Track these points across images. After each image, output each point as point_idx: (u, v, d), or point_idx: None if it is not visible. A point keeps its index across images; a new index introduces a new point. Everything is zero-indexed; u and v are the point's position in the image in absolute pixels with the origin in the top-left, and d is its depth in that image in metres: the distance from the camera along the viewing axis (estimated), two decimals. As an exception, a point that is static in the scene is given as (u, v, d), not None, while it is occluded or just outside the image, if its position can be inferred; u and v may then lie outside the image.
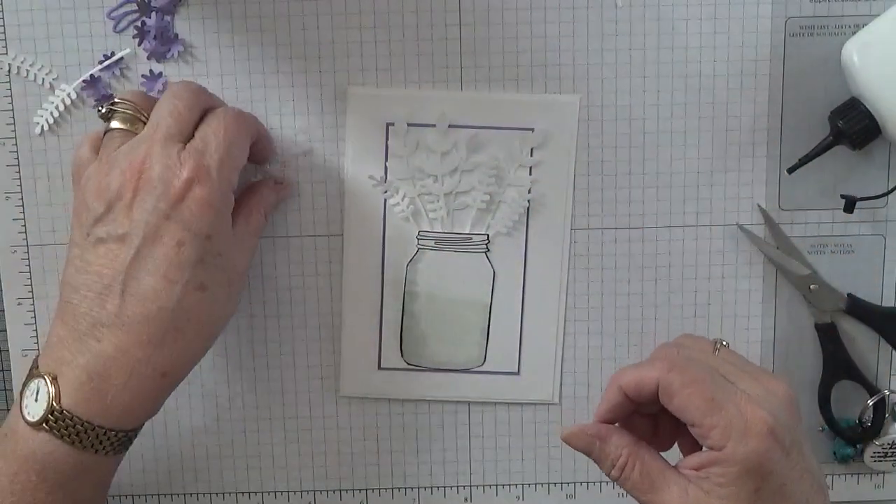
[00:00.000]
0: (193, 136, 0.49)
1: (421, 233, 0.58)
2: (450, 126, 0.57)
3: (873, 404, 0.59)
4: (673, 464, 0.47)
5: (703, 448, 0.45)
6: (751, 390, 0.45)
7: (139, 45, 0.57)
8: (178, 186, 0.47)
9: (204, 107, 0.51)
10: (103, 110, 0.51)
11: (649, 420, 0.49)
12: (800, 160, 0.56)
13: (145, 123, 0.50)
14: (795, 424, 0.46)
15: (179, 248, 0.47)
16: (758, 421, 0.44)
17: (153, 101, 0.51)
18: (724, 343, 0.49)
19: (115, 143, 0.50)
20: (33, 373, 0.48)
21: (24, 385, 0.48)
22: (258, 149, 0.55)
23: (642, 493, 0.46)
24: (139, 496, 0.62)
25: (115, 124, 0.51)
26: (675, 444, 0.50)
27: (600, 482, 0.61)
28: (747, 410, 0.44)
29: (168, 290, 0.47)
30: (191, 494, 0.61)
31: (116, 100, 0.51)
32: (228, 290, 0.50)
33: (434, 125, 0.57)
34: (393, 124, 0.57)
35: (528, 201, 0.58)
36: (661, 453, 0.48)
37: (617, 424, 0.48)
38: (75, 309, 0.47)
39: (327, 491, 0.62)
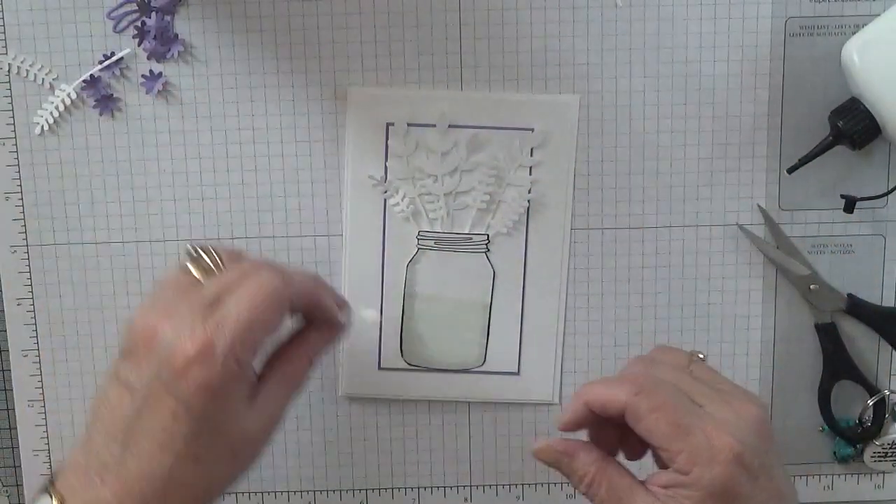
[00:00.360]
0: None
1: (421, 233, 0.58)
2: (450, 126, 0.57)
3: (873, 404, 0.59)
4: (642, 477, 0.47)
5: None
6: (719, 414, 0.45)
7: (139, 45, 0.57)
8: (180, 361, 0.44)
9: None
10: (193, 253, 0.49)
11: (619, 429, 0.49)
12: (800, 160, 0.56)
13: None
14: (765, 448, 0.45)
15: (174, 420, 0.45)
16: (724, 447, 0.44)
17: (242, 261, 0.49)
18: (701, 356, 0.49)
19: (172, 288, 0.48)
20: (48, 487, 0.47)
21: (37, 495, 0.47)
22: (314, 313, 0.51)
23: None
24: (139, 496, 0.61)
25: (190, 267, 0.49)
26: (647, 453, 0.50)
27: (600, 482, 0.61)
28: (713, 436, 0.44)
29: (160, 458, 0.45)
30: (191, 494, 0.61)
31: (209, 249, 0.49)
32: (232, 463, 0.48)
33: (434, 125, 0.57)
34: (393, 124, 0.57)
35: (528, 201, 0.58)
36: (634, 461, 0.48)
37: (586, 436, 0.48)
38: (92, 441, 0.46)
39: (327, 491, 0.62)
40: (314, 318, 0.51)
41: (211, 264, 0.49)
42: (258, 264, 0.48)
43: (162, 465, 0.45)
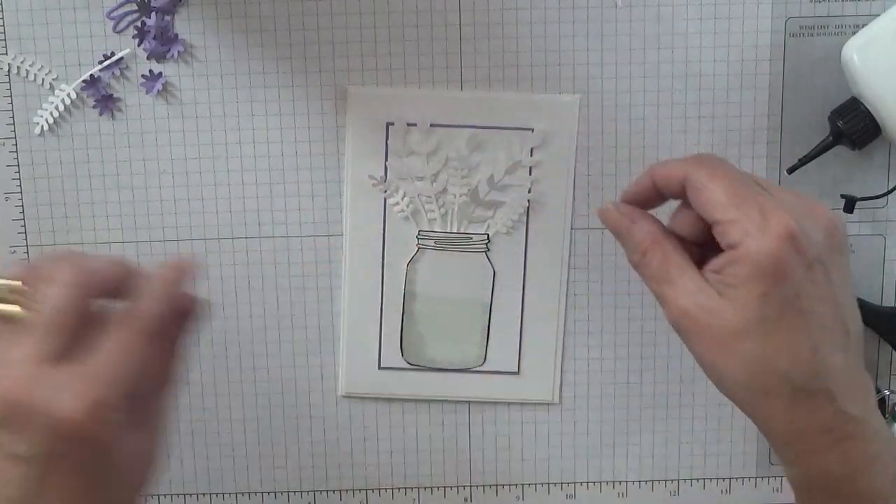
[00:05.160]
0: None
1: (421, 232, 0.58)
2: (449, 126, 0.57)
3: (873, 404, 0.59)
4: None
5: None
6: (785, 199, 0.43)
7: (139, 45, 0.57)
8: (67, 428, 0.39)
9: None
10: None
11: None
12: (800, 160, 0.56)
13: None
14: (829, 248, 0.43)
15: (77, 480, 0.41)
16: (778, 223, 0.41)
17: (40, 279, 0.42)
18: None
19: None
20: None
21: None
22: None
23: (658, 282, 0.45)
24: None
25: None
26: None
27: (600, 482, 0.61)
28: (770, 211, 0.42)
29: None
30: (190, 494, 0.61)
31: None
32: (136, 483, 0.44)
33: (438, 125, 0.57)
34: (393, 124, 0.57)
35: (528, 201, 0.58)
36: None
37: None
38: None
39: (327, 491, 0.62)
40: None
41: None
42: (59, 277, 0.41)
43: None
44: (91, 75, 0.57)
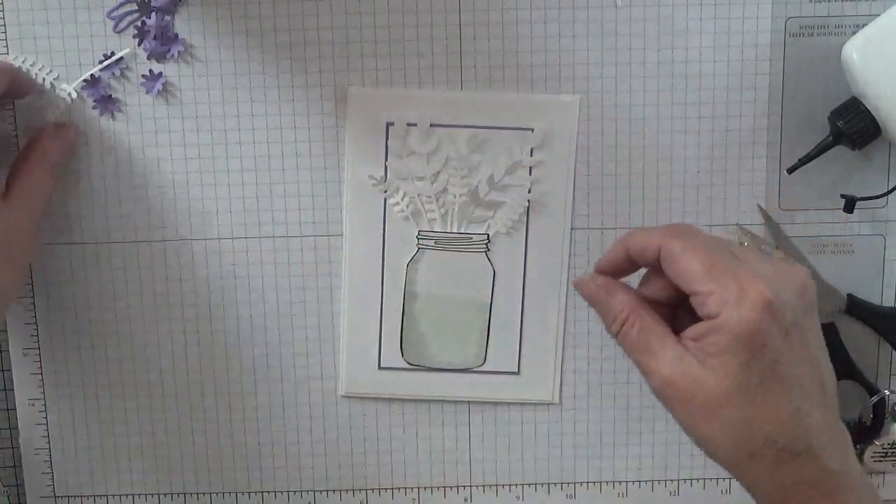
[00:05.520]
0: None
1: (421, 232, 0.58)
2: (449, 126, 0.57)
3: (873, 404, 0.59)
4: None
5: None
6: (758, 267, 0.44)
7: (139, 45, 0.57)
8: None
9: None
10: None
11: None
12: (800, 160, 0.56)
13: None
14: (803, 310, 0.44)
15: None
16: (755, 293, 0.43)
17: None
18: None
19: None
20: None
21: None
22: (14, 88, 0.54)
23: (638, 352, 0.46)
24: (139, 496, 0.62)
25: None
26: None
27: (600, 482, 0.61)
28: (746, 282, 0.43)
29: None
30: (191, 494, 0.61)
31: None
32: (7, 263, 0.52)
33: (438, 125, 0.57)
34: (393, 124, 0.57)
35: (528, 201, 0.58)
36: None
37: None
38: None
39: (327, 491, 0.62)
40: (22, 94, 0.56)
41: None
42: None
43: None
44: (91, 75, 0.57)
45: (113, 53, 0.57)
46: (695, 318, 0.45)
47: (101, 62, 0.57)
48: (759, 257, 0.46)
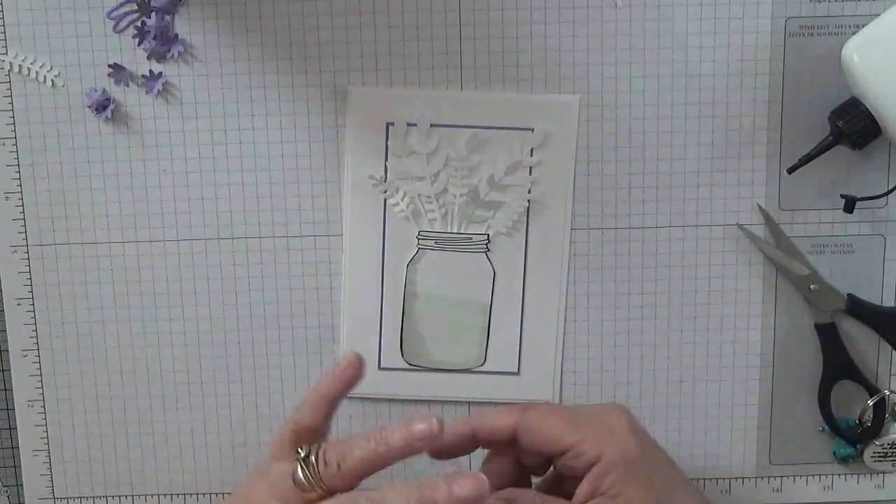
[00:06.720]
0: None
1: (421, 233, 0.58)
2: (449, 126, 0.57)
3: (873, 404, 0.59)
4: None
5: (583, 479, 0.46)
6: (590, 407, 0.50)
7: (139, 45, 0.57)
8: None
9: None
10: (302, 454, 0.45)
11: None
12: (800, 160, 0.56)
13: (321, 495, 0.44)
14: (642, 427, 0.49)
15: None
16: (616, 422, 0.46)
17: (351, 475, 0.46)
18: None
19: (277, 490, 0.44)
20: None
21: None
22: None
23: None
24: (139, 496, 0.62)
25: (298, 475, 0.44)
26: None
27: (600, 482, 0.61)
28: (604, 418, 0.46)
29: None
30: (191, 494, 0.61)
31: (313, 459, 0.45)
32: None
33: (438, 125, 0.57)
34: (393, 124, 0.57)
35: (528, 201, 0.58)
36: None
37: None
38: None
39: (327, 491, 0.61)
40: None
41: (314, 482, 0.44)
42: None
43: None
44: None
45: (116, 64, 0.57)
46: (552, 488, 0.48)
47: (108, 74, 0.57)
48: (576, 405, 0.50)
